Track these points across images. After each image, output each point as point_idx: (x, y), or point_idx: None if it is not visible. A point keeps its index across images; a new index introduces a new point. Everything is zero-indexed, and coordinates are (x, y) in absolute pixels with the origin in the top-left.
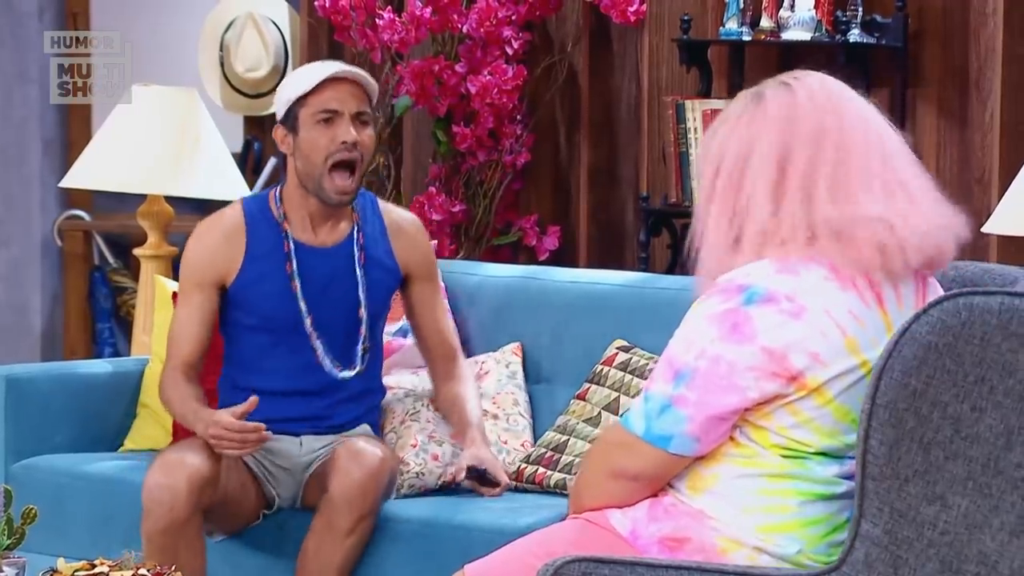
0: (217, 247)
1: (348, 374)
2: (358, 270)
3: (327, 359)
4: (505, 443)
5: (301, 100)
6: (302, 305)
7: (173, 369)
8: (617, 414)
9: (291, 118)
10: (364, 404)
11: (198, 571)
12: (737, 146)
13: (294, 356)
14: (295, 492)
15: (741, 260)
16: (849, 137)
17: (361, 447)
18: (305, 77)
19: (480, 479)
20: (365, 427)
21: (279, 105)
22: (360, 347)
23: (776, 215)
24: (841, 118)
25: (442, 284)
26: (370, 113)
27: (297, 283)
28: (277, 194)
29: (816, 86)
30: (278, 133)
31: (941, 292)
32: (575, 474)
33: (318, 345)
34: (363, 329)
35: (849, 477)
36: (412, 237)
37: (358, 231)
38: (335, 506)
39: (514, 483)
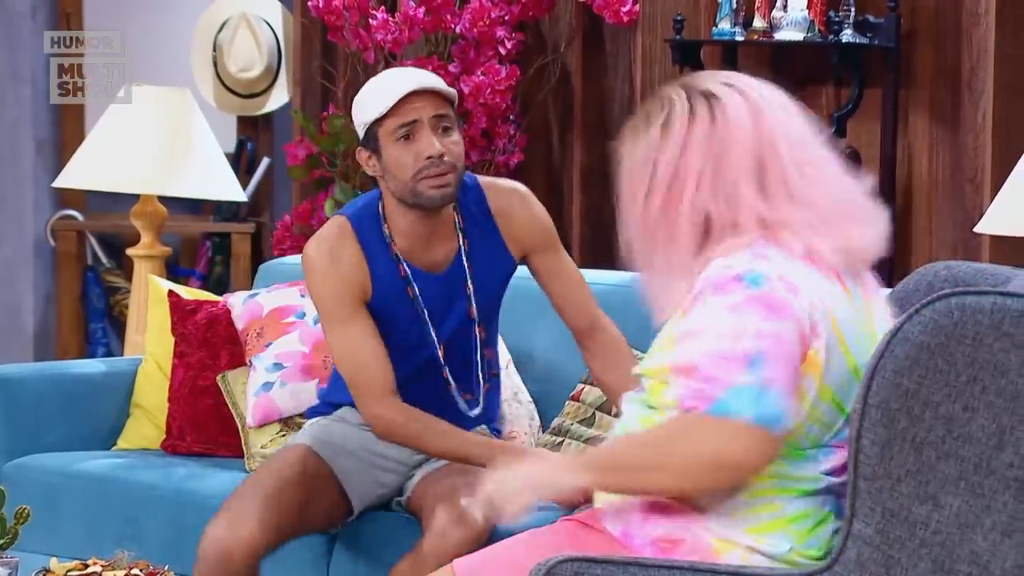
0: (346, 266)
1: (476, 411)
2: (471, 288)
3: (458, 394)
4: (526, 433)
5: (378, 121)
6: (433, 333)
7: (385, 397)
8: (610, 414)
9: (371, 139)
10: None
11: None
12: (701, 153)
13: (426, 388)
14: (399, 487)
15: (701, 260)
16: (798, 138)
17: (464, 509)
18: (378, 98)
19: None
20: (483, 428)
21: (358, 127)
22: (479, 373)
23: (745, 212)
24: (789, 123)
25: (563, 250)
26: (452, 116)
27: (425, 311)
28: (382, 212)
29: (755, 92)
30: (362, 156)
31: (877, 284)
32: None
33: (450, 378)
34: (478, 354)
35: (829, 473)
36: (519, 215)
37: (464, 238)
38: (423, 562)
39: None
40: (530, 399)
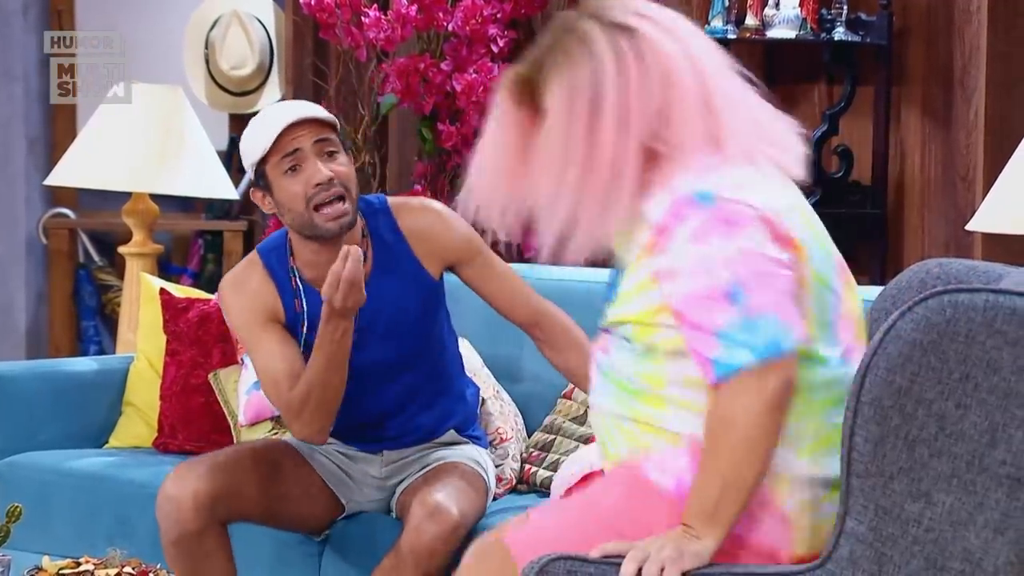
0: (252, 288)
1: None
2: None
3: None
4: (513, 429)
5: (263, 159)
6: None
7: (291, 387)
8: None
9: (261, 178)
10: (439, 408)
11: None
12: (644, 87)
13: (348, 410)
14: (386, 502)
15: (646, 192)
16: (717, 57)
17: (438, 502)
18: (258, 137)
19: None
20: (452, 434)
21: (247, 169)
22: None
23: (694, 133)
24: (704, 44)
25: (489, 253)
26: (335, 140)
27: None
28: (289, 246)
29: (666, 19)
30: (256, 196)
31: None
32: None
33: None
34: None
35: (845, 362)
36: (435, 233)
37: (372, 263)
38: (403, 558)
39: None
40: (511, 399)
